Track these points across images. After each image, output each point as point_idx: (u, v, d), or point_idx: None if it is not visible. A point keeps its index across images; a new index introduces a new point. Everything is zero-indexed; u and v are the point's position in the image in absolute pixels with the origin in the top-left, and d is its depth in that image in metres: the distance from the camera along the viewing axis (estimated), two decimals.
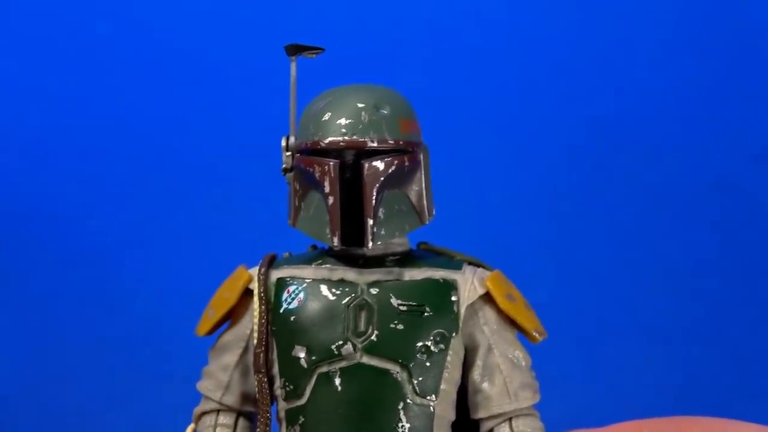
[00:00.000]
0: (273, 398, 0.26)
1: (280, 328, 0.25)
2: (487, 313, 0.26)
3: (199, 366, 0.31)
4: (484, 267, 0.27)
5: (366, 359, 0.24)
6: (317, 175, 0.25)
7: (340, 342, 0.24)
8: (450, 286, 0.26)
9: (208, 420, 0.27)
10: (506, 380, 0.26)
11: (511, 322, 0.26)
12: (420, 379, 0.24)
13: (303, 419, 0.25)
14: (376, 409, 0.25)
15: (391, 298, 0.25)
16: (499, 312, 0.26)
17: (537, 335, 0.26)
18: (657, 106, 0.84)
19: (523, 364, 0.26)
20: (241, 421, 0.27)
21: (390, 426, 0.24)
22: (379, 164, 0.25)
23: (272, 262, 0.27)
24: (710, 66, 0.76)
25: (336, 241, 0.24)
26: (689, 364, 0.51)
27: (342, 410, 0.25)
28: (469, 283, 0.26)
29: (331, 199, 0.24)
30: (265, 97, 0.59)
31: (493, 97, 0.85)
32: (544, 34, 0.90)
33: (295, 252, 0.29)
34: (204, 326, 0.27)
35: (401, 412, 0.24)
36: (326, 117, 0.25)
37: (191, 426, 0.27)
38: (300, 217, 0.26)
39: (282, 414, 0.25)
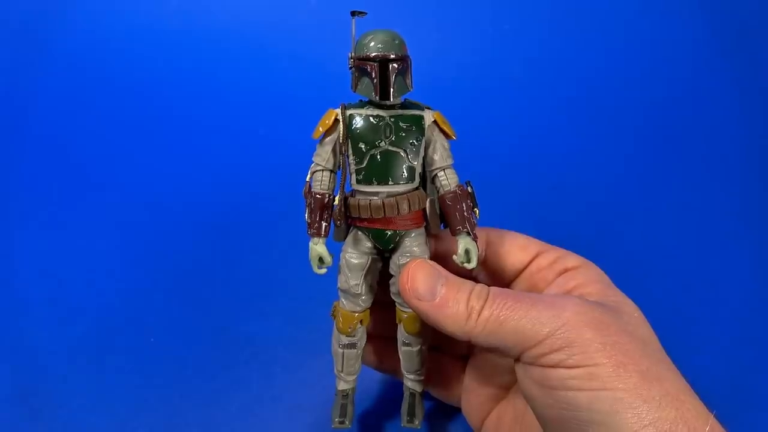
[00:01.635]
0: (347, 165, 0.51)
1: (352, 134, 0.51)
2: (435, 129, 0.52)
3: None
4: (432, 110, 0.53)
5: (390, 147, 0.50)
6: (368, 69, 0.49)
7: (379, 140, 0.50)
8: (422, 117, 0.52)
9: (318, 175, 0.52)
10: (442, 153, 0.52)
11: (443, 132, 0.52)
12: (410, 156, 0.51)
13: (363, 172, 0.51)
14: (393, 167, 0.51)
15: (400, 122, 0.51)
16: (440, 128, 0.52)
17: (454, 137, 0.53)
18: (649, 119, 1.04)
19: (447, 146, 0.52)
20: (333, 176, 0.52)
21: (398, 173, 0.51)
22: (395, 65, 0.49)
23: (345, 107, 0.52)
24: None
25: (376, 98, 0.50)
26: (689, 363, 0.46)
27: (379, 167, 0.50)
28: (429, 116, 0.52)
29: (375, 79, 0.49)
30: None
31: (489, 95, 1.08)
32: (544, 36, 1.15)
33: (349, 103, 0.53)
34: (316, 134, 0.51)
35: (403, 167, 0.51)
36: (372, 43, 0.50)
37: (307, 176, 0.52)
38: (358, 88, 0.51)
39: (353, 169, 0.51)
